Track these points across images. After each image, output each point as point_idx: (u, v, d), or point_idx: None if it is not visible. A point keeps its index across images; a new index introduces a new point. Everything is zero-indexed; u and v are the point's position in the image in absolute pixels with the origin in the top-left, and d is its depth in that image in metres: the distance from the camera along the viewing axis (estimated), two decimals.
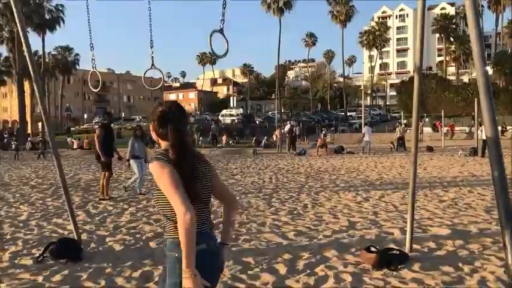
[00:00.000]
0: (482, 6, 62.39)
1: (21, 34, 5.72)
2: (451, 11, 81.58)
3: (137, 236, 6.81)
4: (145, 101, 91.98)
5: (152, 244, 6.30)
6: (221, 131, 36.64)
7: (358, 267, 5.17)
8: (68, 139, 31.55)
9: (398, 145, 25.87)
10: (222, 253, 2.54)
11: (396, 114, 65.55)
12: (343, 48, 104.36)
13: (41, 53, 54.19)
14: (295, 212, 8.35)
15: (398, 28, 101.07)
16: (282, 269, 5.15)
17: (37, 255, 5.80)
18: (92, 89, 7.06)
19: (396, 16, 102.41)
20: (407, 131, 33.57)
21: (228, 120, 57.89)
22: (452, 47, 69.90)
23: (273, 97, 79.57)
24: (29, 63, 5.84)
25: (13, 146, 27.24)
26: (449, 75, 67.18)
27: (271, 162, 19.86)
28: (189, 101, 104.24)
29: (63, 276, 5.06)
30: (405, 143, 25.97)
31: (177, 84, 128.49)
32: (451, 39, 66.79)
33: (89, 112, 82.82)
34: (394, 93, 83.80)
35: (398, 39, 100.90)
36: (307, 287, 4.64)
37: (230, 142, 34.46)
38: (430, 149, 24.65)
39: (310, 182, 12.79)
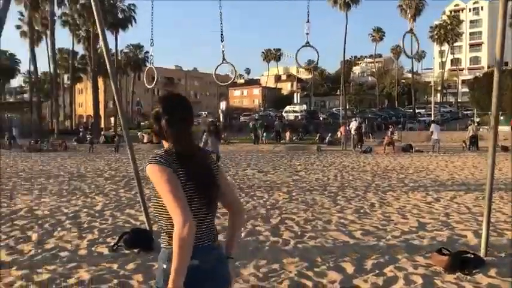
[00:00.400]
0: None
1: (100, 34, 6.01)
2: None
3: None
4: (211, 97, 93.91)
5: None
6: (285, 127, 36.60)
7: (429, 269, 5.00)
8: (139, 133, 32.78)
9: (470, 144, 24.70)
10: (224, 268, 2.25)
11: (468, 112, 62.55)
12: (412, 43, 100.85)
13: (114, 51, 56.63)
14: (361, 211, 8.21)
15: (471, 22, 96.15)
16: (350, 268, 5.08)
17: (112, 244, 6.09)
18: (147, 85, 7.24)
19: (470, 9, 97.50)
20: (480, 129, 31.99)
21: (291, 116, 57.73)
22: None
23: (337, 93, 78.41)
24: (106, 61, 6.14)
25: (88, 140, 28.70)
26: None
27: (335, 160, 19.62)
28: (253, 98, 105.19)
29: (136, 265, 5.28)
30: (478, 142, 24.77)
31: (242, 81, 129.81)
32: None
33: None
34: (466, 89, 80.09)
35: (471, 34, 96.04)
36: (376, 287, 4.55)
37: (294, 138, 34.37)
38: (505, 148, 23.29)
39: (377, 180, 12.51)
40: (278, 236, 6.51)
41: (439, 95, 76.90)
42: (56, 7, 47.46)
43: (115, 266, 5.24)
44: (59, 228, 7.08)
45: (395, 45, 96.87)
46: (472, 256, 5.09)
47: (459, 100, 79.89)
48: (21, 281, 4.78)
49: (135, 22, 51.98)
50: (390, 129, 29.06)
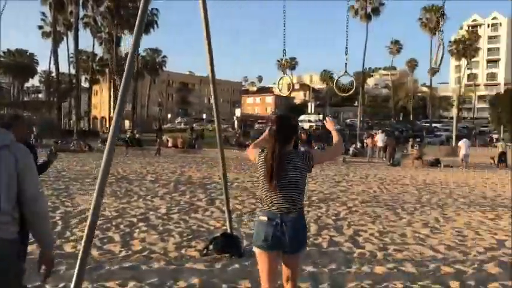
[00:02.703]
0: None
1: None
2: None
3: None
4: (226, 103, 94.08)
5: None
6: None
7: None
8: (164, 137, 32.75)
9: (499, 161, 24.50)
10: None
11: (485, 128, 62.19)
12: (431, 57, 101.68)
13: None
14: (430, 225, 8.17)
15: (489, 38, 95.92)
16: (453, 283, 5.05)
17: (199, 247, 6.12)
18: (283, 93, 7.20)
19: (488, 25, 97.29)
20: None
21: (306, 126, 57.71)
22: None
23: (355, 104, 78.34)
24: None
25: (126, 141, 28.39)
26: None
27: (367, 172, 19.55)
28: (266, 105, 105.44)
29: (237, 270, 5.29)
30: (507, 158, 24.59)
31: (254, 88, 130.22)
32: None
33: (172, 113, 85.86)
34: (482, 105, 79.74)
35: (489, 49, 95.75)
36: None
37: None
38: None
39: (424, 194, 12.46)
40: (361, 247, 6.50)
41: (454, 110, 76.55)
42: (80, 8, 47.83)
43: (216, 271, 5.26)
44: (137, 230, 7.12)
45: (410, 58, 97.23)
46: None
47: (475, 116, 79.53)
48: (132, 281, 4.81)
49: (157, 26, 52.27)
50: (417, 143, 28.89)
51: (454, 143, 40.54)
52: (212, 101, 6.14)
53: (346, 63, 5.03)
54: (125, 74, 4.02)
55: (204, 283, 4.84)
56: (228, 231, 6.49)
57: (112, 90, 48.82)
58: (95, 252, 5.87)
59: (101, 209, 8.57)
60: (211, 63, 5.81)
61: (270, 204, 3.31)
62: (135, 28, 4.17)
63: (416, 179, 16.93)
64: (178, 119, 78.71)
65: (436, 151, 35.11)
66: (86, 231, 3.69)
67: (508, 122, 40.47)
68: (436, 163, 24.15)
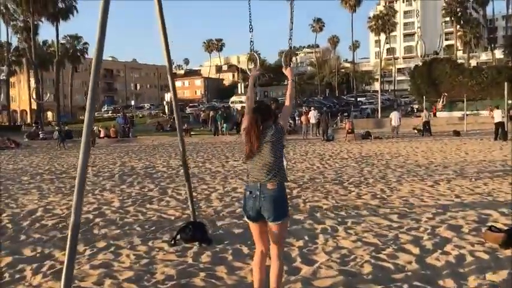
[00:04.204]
0: None
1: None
2: None
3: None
4: (153, 88, 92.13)
5: None
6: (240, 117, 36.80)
7: (485, 246, 5.45)
8: (95, 127, 31.51)
9: (424, 130, 26.05)
10: None
11: (406, 99, 65.55)
12: (353, 33, 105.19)
13: (50, 42, 54.02)
14: (378, 196, 8.64)
15: (405, 12, 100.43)
16: (414, 249, 5.42)
17: (165, 238, 6.10)
18: (250, 72, 6.68)
19: (403, 0, 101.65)
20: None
21: (238, 106, 58.03)
22: (462, 31, 69.60)
23: (282, 83, 79.48)
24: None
25: (57, 135, 27.13)
26: (458, 59, 66.90)
27: (306, 148, 20.12)
28: (195, 88, 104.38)
29: (210, 257, 5.36)
30: (431, 127, 26.19)
31: (182, 72, 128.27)
32: (461, 22, 66.44)
33: (97, 101, 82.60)
34: (401, 78, 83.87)
35: (405, 24, 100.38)
36: (451, 265, 4.91)
37: None
38: (457, 133, 24.88)
39: (364, 167, 13.06)
40: (321, 223, 6.77)
41: (376, 83, 79.89)
42: None
43: (189, 260, 5.29)
44: (96, 226, 6.95)
45: (332, 35, 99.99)
46: None
47: (395, 88, 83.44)
48: (107, 279, 4.74)
49: (77, 12, 49.85)
50: (346, 117, 29.88)
51: (379, 115, 42.56)
52: (170, 92, 6.05)
53: (291, 37, 4.86)
54: (93, 64, 3.89)
55: (181, 273, 4.87)
56: (191, 219, 6.53)
57: (33, 81, 46.16)
58: (58, 254, 5.69)
59: (51, 207, 8.31)
60: (168, 53, 5.72)
61: (251, 177, 3.73)
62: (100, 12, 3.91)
63: (352, 152, 17.67)
64: (105, 107, 76.16)
65: (364, 124, 36.69)
66: (69, 231, 3.61)
67: (428, 93, 42.77)
68: (366, 136, 25.25)
